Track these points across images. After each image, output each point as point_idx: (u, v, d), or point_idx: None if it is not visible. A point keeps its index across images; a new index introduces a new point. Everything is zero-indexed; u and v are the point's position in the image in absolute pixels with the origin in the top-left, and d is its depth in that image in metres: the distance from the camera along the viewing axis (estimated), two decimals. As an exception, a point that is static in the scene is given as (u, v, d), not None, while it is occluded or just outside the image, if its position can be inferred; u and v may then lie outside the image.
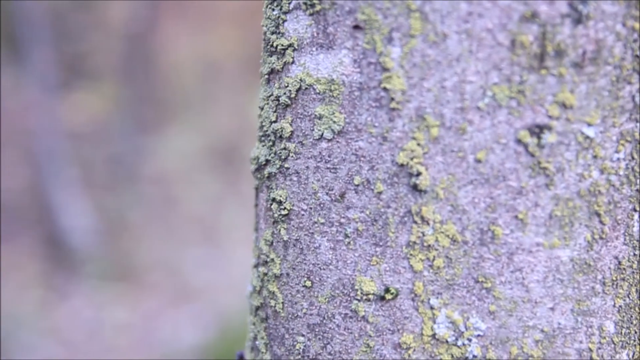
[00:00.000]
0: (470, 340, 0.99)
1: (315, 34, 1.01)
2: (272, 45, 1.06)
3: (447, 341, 0.99)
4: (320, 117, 1.01)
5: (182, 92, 10.21)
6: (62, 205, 8.28)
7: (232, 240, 8.14)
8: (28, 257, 7.91)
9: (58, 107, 8.58)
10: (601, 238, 0.99)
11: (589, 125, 0.97)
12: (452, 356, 0.99)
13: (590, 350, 1.01)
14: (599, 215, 0.99)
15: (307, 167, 1.03)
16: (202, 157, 9.13)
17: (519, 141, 0.96)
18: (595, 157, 0.98)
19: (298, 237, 1.04)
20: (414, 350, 1.00)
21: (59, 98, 8.73)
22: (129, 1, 9.71)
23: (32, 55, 8.02)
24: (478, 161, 0.96)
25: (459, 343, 0.99)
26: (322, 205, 1.02)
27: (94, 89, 9.77)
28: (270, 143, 1.07)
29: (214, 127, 9.56)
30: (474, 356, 0.99)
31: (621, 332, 1.03)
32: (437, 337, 0.99)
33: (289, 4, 1.03)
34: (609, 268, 1.00)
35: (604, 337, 1.02)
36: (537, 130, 0.96)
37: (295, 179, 1.04)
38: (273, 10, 1.06)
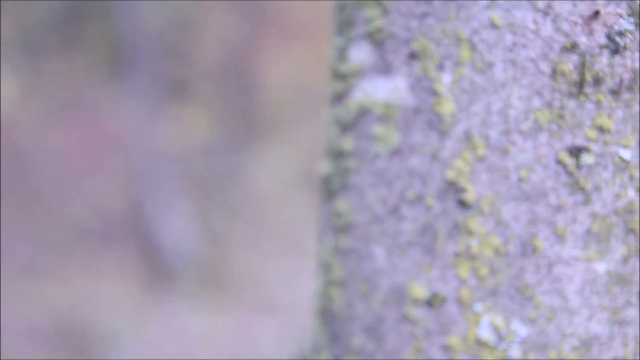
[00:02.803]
0: (511, 344, 1.07)
1: (375, 61, 1.11)
2: (337, 71, 1.17)
3: (489, 345, 1.08)
4: (378, 137, 1.11)
5: (281, 111, 10.37)
6: (162, 217, 8.50)
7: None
8: (128, 268, 8.14)
9: (160, 125, 8.82)
10: (636, 253, 1.07)
11: (625, 148, 1.05)
12: (494, 358, 1.08)
13: (625, 358, 1.08)
14: (634, 232, 1.06)
15: (366, 182, 1.13)
16: (297, 174, 9.26)
17: (559, 162, 1.04)
18: (631, 177, 1.05)
19: (356, 246, 1.14)
20: (459, 352, 1.09)
21: (162, 116, 8.98)
22: (229, 21, 9.92)
23: (136, 75, 8.28)
24: (521, 179, 1.05)
25: (501, 347, 1.08)
26: (378, 217, 1.12)
27: (195, 107, 10.00)
28: (334, 159, 1.18)
29: (309, 145, 9.69)
30: (515, 359, 1.07)
31: (657, 343, 1.10)
32: (480, 340, 1.08)
33: (352, 33, 1.13)
34: (645, 282, 1.08)
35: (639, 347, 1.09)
36: (576, 151, 1.04)
37: (354, 192, 1.14)
38: (338, 38, 1.16)
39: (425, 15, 1.07)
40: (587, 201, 1.05)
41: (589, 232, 1.05)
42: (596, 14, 1.02)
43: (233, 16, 10.00)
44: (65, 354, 6.71)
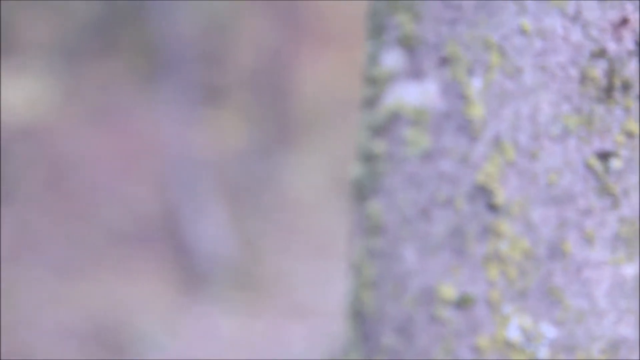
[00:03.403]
0: (539, 346, 1.09)
1: (406, 66, 1.13)
2: (369, 76, 1.19)
3: (518, 346, 1.09)
4: (408, 141, 1.13)
5: (316, 116, 10.40)
6: (194, 222, 8.55)
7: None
8: (161, 270, 8.19)
9: (195, 129, 8.89)
10: (664, 257, 1.08)
11: (654, 152, 1.06)
12: (523, 359, 1.09)
13: (653, 360, 1.10)
14: (662, 235, 1.08)
15: (396, 185, 1.15)
16: (330, 180, 9.29)
17: (587, 166, 1.06)
18: (659, 182, 1.07)
19: (386, 248, 1.16)
20: (488, 352, 1.10)
21: (197, 121, 9.04)
22: (264, 26, 9.96)
23: (172, 80, 8.35)
24: (550, 183, 1.07)
25: (529, 348, 1.09)
26: (408, 220, 1.14)
27: (230, 112, 10.06)
28: (366, 162, 1.20)
29: (343, 151, 9.71)
30: (543, 361, 1.09)
31: (684, 346, 1.11)
32: (509, 341, 1.10)
33: (384, 39, 1.16)
34: (673, 285, 1.09)
35: (666, 349, 1.10)
36: (605, 156, 1.06)
37: (385, 195, 1.16)
38: (371, 44, 1.19)
39: (455, 21, 1.09)
40: (615, 205, 1.06)
41: (617, 236, 1.07)
42: (625, 21, 1.04)
43: (268, 21, 10.05)
44: (99, 354, 6.78)
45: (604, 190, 1.06)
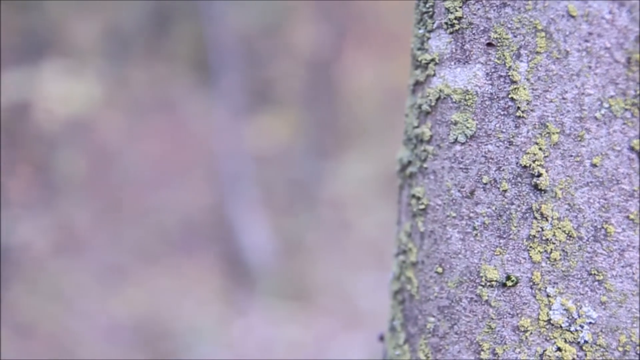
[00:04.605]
0: (582, 327, 1.10)
1: (454, 50, 1.15)
2: (417, 60, 1.21)
3: (561, 326, 1.11)
4: (455, 123, 1.15)
5: (362, 119, 10.42)
6: (244, 224, 8.60)
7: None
8: (209, 273, 8.24)
9: (244, 130, 8.95)
10: None
11: (699, 136, 1.07)
12: (565, 340, 1.11)
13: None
14: None
15: (443, 167, 1.17)
16: (378, 183, 9.30)
17: (632, 149, 1.07)
18: None
19: (432, 229, 1.18)
20: (531, 333, 1.12)
21: (245, 122, 9.10)
22: (315, 28, 10.00)
23: (221, 81, 8.42)
24: (594, 165, 1.08)
25: (572, 329, 1.11)
26: (454, 201, 1.16)
27: (278, 113, 10.10)
28: (413, 146, 1.22)
29: (391, 154, 9.70)
30: (585, 341, 1.10)
31: None
32: (552, 322, 1.11)
33: (433, 24, 1.18)
34: None
35: None
36: (650, 139, 1.07)
37: (432, 177, 1.18)
38: (419, 29, 1.21)
39: (503, 5, 1.11)
40: (659, 188, 1.07)
41: (661, 218, 1.08)
42: (671, 4, 1.05)
43: (319, 24, 10.09)
44: (146, 354, 6.83)
45: (649, 173, 1.07)
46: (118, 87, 9.03)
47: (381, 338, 1.32)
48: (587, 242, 1.09)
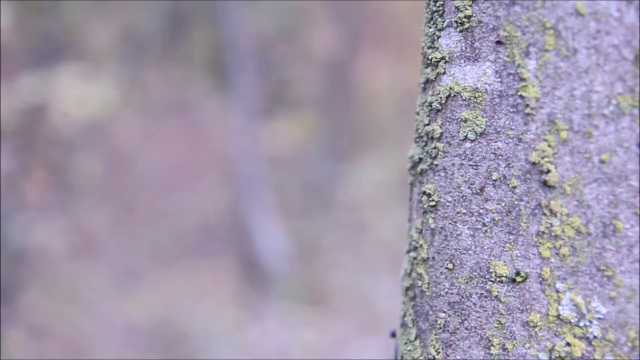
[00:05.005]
0: (591, 322, 1.11)
1: (463, 48, 1.17)
2: (428, 58, 1.22)
3: (570, 322, 1.12)
4: (465, 121, 1.16)
5: (378, 122, 10.42)
6: (259, 227, 8.61)
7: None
8: (224, 276, 8.26)
9: (260, 133, 8.97)
10: None
11: None
12: (575, 335, 1.12)
13: None
14: None
15: (453, 164, 1.18)
16: (395, 186, 9.30)
17: (640, 145, 1.08)
18: None
19: (443, 225, 1.20)
20: (540, 328, 1.13)
21: (261, 124, 9.12)
22: (331, 32, 10.02)
23: (238, 84, 8.44)
24: (602, 162, 1.09)
25: (581, 324, 1.12)
26: (464, 198, 1.17)
27: (294, 116, 10.12)
28: (423, 143, 1.23)
29: (407, 157, 9.68)
30: (595, 337, 1.11)
31: None
32: (561, 317, 1.12)
33: (443, 22, 1.19)
34: None
35: None
36: (658, 136, 1.08)
37: (442, 174, 1.20)
38: (430, 27, 1.22)
39: (512, 4, 1.12)
40: (667, 184, 1.08)
41: (669, 214, 1.09)
42: (679, 2, 1.06)
43: (335, 26, 10.10)
44: (161, 356, 6.85)
45: (657, 170, 1.08)
46: (134, 90, 9.07)
47: (393, 335, 1.34)
48: (596, 238, 1.10)
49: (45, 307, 7.07)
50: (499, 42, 1.13)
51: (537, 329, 1.13)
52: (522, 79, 1.12)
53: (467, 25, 1.16)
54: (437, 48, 1.20)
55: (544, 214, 1.12)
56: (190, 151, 9.27)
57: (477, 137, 1.15)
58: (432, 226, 1.21)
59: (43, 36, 7.75)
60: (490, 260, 1.15)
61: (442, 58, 1.20)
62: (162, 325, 7.22)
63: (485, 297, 1.16)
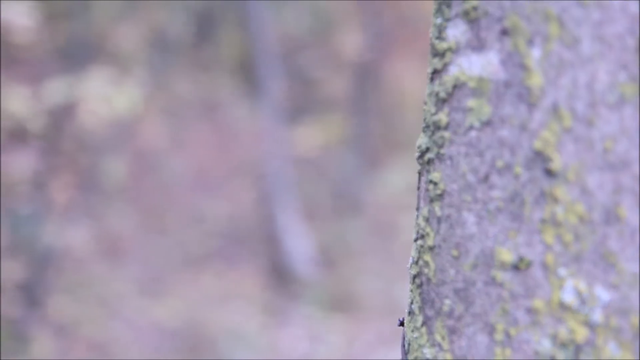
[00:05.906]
0: (594, 308, 1.12)
1: (470, 38, 1.18)
2: (435, 49, 1.24)
3: (573, 308, 1.13)
4: (471, 110, 1.18)
5: (407, 124, 10.42)
6: (287, 230, 8.63)
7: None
8: (252, 280, 8.28)
9: (288, 136, 8.99)
10: None
11: None
12: (577, 321, 1.13)
13: None
14: None
15: (459, 153, 1.20)
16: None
17: (643, 133, 1.09)
18: None
19: (449, 213, 1.21)
20: (544, 314, 1.14)
21: (290, 127, 9.15)
22: (360, 35, 10.04)
23: (266, 86, 8.47)
24: (605, 150, 1.11)
25: (584, 310, 1.13)
26: (469, 186, 1.19)
27: (323, 119, 10.14)
28: (430, 132, 1.25)
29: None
30: (597, 323, 1.12)
31: None
32: (564, 304, 1.13)
33: (450, 12, 1.21)
34: None
35: None
36: (660, 124, 1.09)
37: (448, 162, 1.21)
38: (437, 18, 1.24)
39: (517, -7, 1.14)
40: (670, 172, 1.09)
41: (672, 202, 1.10)
42: (681, -9, 1.07)
43: (364, 29, 10.11)
44: (188, 357, 6.88)
45: (660, 158, 1.09)
46: (162, 92, 9.13)
47: (401, 323, 1.35)
48: (599, 225, 1.12)
49: (72, 309, 7.13)
50: (504, 32, 1.15)
51: (540, 316, 1.14)
52: (527, 68, 1.13)
53: (473, 15, 1.18)
54: (445, 38, 1.22)
55: (548, 202, 1.13)
56: (217, 154, 9.31)
57: (483, 126, 1.17)
58: (439, 214, 1.23)
59: (71, 38, 7.84)
60: (495, 247, 1.17)
61: (449, 48, 1.21)
62: (188, 328, 7.25)
63: (490, 284, 1.17)
